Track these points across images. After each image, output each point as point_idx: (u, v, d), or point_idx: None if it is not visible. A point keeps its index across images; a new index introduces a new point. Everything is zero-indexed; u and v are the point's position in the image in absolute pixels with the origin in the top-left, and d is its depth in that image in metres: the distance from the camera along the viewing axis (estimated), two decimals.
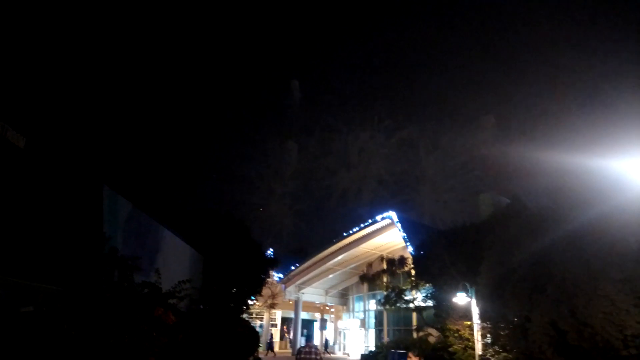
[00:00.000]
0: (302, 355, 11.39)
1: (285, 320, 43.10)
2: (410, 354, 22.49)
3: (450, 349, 19.26)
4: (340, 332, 42.56)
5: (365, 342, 36.01)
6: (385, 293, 27.55)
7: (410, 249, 25.27)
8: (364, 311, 37.49)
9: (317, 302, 41.80)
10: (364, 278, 35.72)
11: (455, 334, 19.60)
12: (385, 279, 31.53)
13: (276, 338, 41.36)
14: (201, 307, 13.98)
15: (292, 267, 35.52)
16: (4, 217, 6.56)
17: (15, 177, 6.96)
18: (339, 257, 33.76)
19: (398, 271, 30.06)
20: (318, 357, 11.45)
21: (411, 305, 25.02)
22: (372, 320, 36.09)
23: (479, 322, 16.11)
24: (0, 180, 6.61)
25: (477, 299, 16.09)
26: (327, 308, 44.07)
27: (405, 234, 26.46)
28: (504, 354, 14.45)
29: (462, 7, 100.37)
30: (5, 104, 6.64)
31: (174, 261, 13.56)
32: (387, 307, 27.07)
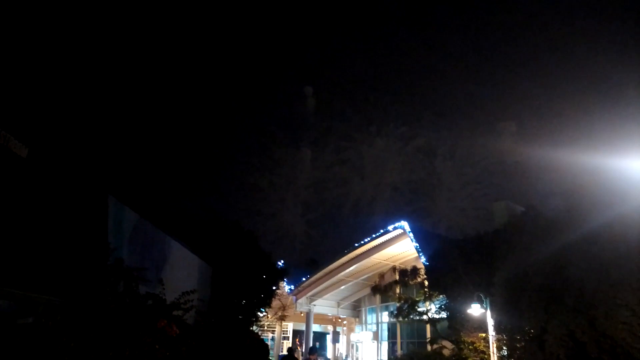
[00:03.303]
0: None
1: (297, 333, 42.65)
2: None
3: None
4: (353, 345, 41.94)
5: (378, 355, 35.40)
6: (398, 305, 27.10)
7: (423, 259, 24.85)
8: (377, 323, 36.92)
9: (329, 314, 41.30)
10: (376, 289, 35.16)
11: (471, 347, 19.11)
12: (397, 290, 31.04)
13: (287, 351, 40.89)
14: (208, 319, 13.79)
15: (303, 279, 35.18)
16: (5, 227, 6.48)
17: (17, 187, 6.90)
18: (351, 268, 33.36)
19: (411, 282, 29.50)
20: None
21: (425, 317, 24.51)
22: (385, 333, 35.49)
23: (494, 334, 15.69)
24: (2, 190, 6.55)
25: (492, 310, 15.69)
26: (340, 320, 43.52)
27: (417, 244, 26.03)
28: None
29: (478, 12, 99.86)
30: (7, 113, 6.60)
31: (182, 272, 13.42)
32: (400, 319, 26.61)
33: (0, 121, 6.37)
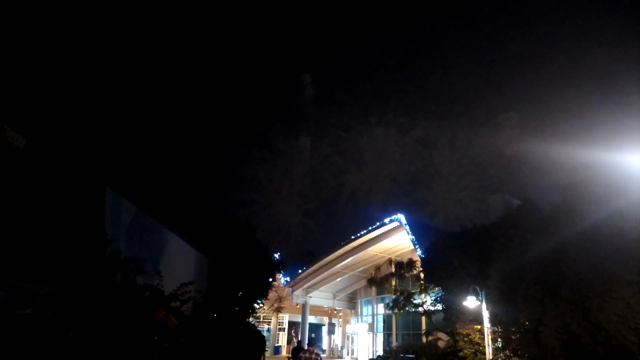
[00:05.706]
0: None
1: (293, 324, 42.86)
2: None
3: (461, 354, 18.92)
4: (348, 337, 42.20)
5: (373, 346, 35.63)
6: (393, 297, 27.27)
7: (419, 251, 24.94)
8: (373, 315, 37.13)
9: (325, 306, 41.49)
10: (372, 282, 35.38)
11: (466, 339, 19.26)
12: (393, 283, 31.22)
13: (284, 342, 41.17)
14: (205, 310, 13.82)
15: (299, 271, 35.26)
16: (3, 219, 6.44)
17: (15, 178, 6.85)
18: (347, 260, 33.46)
19: (407, 274, 29.72)
20: None
21: (420, 309, 24.72)
22: (381, 325, 35.71)
23: (489, 326, 15.81)
24: (0, 181, 6.50)
25: (487, 302, 15.80)
26: (335, 312, 43.75)
27: (414, 237, 26.10)
28: (516, 358, 14.12)
29: (479, 3, 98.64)
30: (4, 104, 6.54)
31: (179, 264, 13.43)
32: (396, 311, 26.82)
33: None
